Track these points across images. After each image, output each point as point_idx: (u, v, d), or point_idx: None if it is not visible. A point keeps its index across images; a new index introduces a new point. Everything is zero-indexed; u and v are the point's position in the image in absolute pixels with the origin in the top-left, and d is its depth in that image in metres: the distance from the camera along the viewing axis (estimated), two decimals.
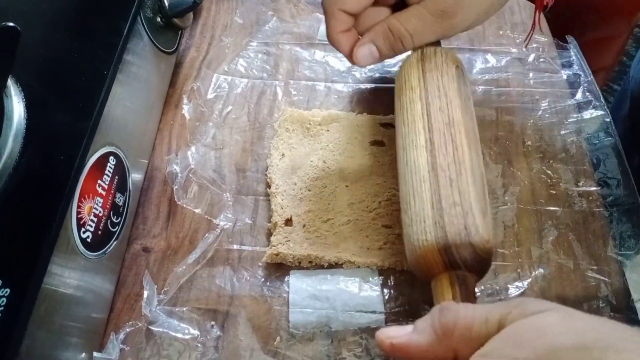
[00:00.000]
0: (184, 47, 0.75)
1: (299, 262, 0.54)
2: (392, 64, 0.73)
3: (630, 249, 0.56)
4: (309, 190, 0.59)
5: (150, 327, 0.51)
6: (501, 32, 0.76)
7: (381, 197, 0.58)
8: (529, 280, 0.54)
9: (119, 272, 0.55)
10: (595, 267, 0.55)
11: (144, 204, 0.60)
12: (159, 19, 0.66)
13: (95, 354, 0.49)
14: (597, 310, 0.53)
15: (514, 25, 0.78)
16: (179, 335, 0.51)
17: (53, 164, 0.45)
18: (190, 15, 0.71)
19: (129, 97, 0.57)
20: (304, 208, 0.57)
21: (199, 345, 0.51)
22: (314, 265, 0.55)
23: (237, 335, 0.51)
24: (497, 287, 0.54)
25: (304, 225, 0.56)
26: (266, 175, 0.61)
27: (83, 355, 0.48)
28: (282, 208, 0.57)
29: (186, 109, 0.66)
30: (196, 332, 0.51)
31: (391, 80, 0.71)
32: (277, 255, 0.54)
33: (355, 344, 0.51)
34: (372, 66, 0.72)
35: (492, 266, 0.55)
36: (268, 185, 0.60)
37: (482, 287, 0.54)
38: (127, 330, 0.51)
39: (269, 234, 0.57)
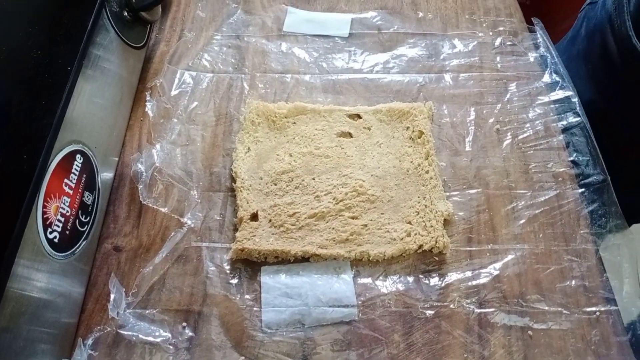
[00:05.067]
0: (154, 41, 0.73)
1: (265, 258, 0.54)
2: (359, 52, 0.72)
3: (602, 227, 0.56)
4: (275, 184, 0.58)
5: (119, 331, 0.50)
6: (474, 18, 0.76)
7: (348, 188, 0.57)
8: (503, 263, 0.54)
9: (90, 272, 0.54)
10: (568, 248, 0.55)
11: (115, 202, 0.59)
12: (125, 13, 0.64)
13: None
14: (571, 290, 0.53)
15: (487, 11, 0.77)
16: (150, 338, 0.50)
17: (16, 163, 0.44)
18: (159, 8, 0.70)
19: (96, 93, 0.56)
20: (269, 202, 0.57)
21: (171, 347, 0.50)
22: (281, 260, 0.54)
23: (209, 335, 0.50)
24: (471, 273, 0.54)
25: (270, 220, 0.55)
26: (231, 169, 0.60)
27: None
28: (247, 203, 0.56)
29: (149, 106, 0.64)
30: (167, 335, 0.50)
31: (359, 71, 0.70)
32: (242, 251, 0.53)
33: (330, 339, 0.50)
34: (339, 55, 0.72)
35: (467, 251, 0.55)
36: (234, 180, 0.59)
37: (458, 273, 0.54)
38: (96, 335, 0.50)
39: (237, 229, 0.56)
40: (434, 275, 0.54)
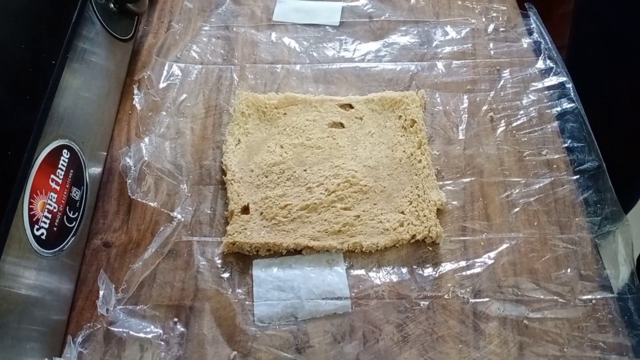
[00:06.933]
0: (141, 33, 0.72)
1: (257, 251, 0.53)
2: (351, 41, 0.71)
3: (597, 214, 0.56)
4: (266, 177, 0.57)
5: (110, 327, 0.50)
6: (466, 4, 0.75)
7: (340, 179, 0.56)
8: (497, 252, 0.54)
9: (79, 269, 0.53)
10: (563, 236, 0.55)
11: (104, 197, 0.58)
12: (112, 5, 0.63)
13: (54, 359, 0.47)
14: (567, 278, 0.52)
15: None
16: (141, 334, 0.49)
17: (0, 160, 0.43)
18: (146, 0, 0.69)
19: (83, 87, 0.55)
20: (261, 195, 0.56)
21: (162, 343, 0.49)
22: (273, 254, 0.53)
23: (201, 330, 0.50)
24: (466, 263, 0.53)
25: (261, 213, 0.55)
26: (222, 162, 0.59)
27: None
28: (238, 196, 0.56)
29: (137, 99, 0.63)
30: (159, 330, 0.50)
31: (350, 60, 0.69)
32: (233, 244, 0.52)
33: (323, 332, 0.49)
34: (330, 44, 0.71)
35: (461, 240, 0.54)
36: (224, 173, 0.58)
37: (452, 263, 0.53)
38: (87, 332, 0.49)
39: (228, 223, 0.55)
40: (428, 265, 0.53)
